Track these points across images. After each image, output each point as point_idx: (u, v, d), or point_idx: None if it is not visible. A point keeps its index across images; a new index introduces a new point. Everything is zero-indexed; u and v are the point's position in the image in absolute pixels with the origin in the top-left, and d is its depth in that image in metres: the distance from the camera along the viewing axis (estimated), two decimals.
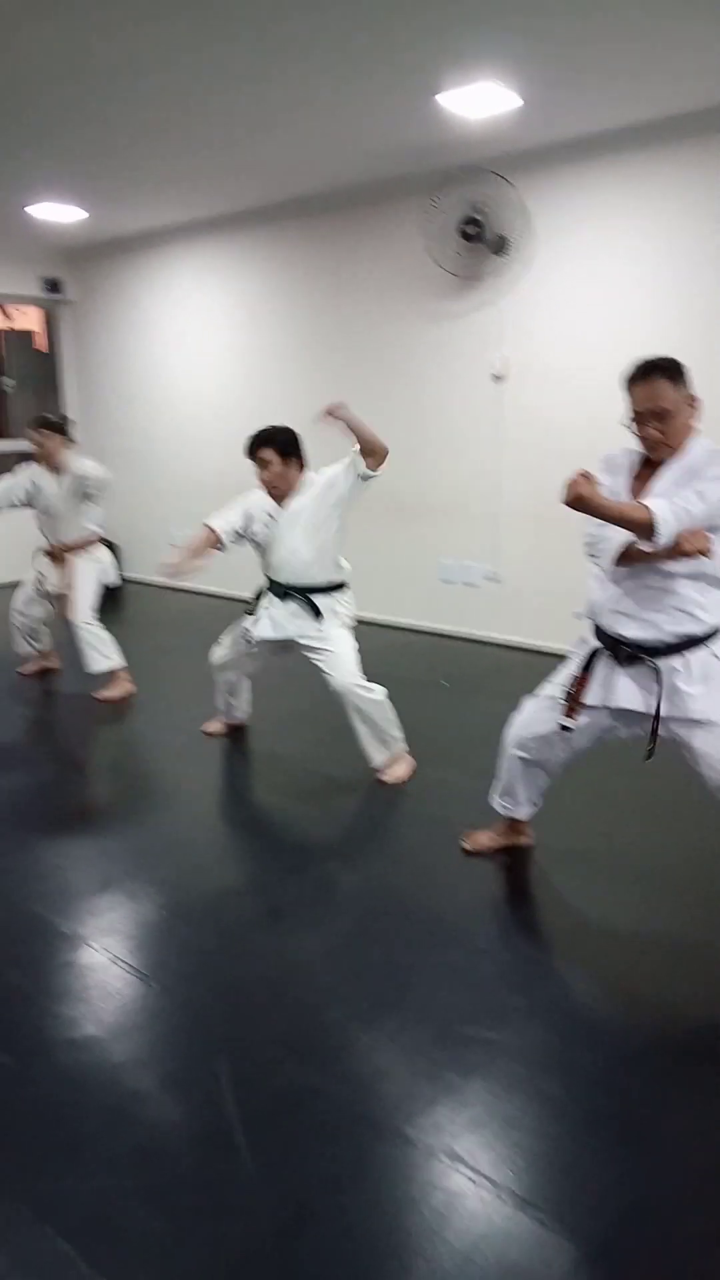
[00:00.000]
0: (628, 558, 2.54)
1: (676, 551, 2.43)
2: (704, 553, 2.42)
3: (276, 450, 3.73)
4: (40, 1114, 2.06)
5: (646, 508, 2.39)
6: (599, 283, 5.21)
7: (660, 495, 2.44)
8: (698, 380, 2.56)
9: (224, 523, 3.83)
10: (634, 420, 2.53)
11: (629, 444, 2.64)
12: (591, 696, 2.69)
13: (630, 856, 3.20)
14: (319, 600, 3.78)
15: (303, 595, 3.79)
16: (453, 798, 3.57)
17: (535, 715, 2.87)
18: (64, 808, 3.76)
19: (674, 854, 3.20)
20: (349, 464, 3.71)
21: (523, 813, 3.08)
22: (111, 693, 4.95)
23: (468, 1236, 1.74)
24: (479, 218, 5.37)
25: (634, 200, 5.02)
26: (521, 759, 2.94)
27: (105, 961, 2.63)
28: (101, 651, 4.92)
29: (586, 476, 2.46)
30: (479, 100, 4.37)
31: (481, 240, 5.40)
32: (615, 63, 3.99)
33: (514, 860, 3.17)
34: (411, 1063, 2.20)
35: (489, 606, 5.94)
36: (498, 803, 3.09)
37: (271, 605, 3.85)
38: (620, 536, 2.52)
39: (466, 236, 5.42)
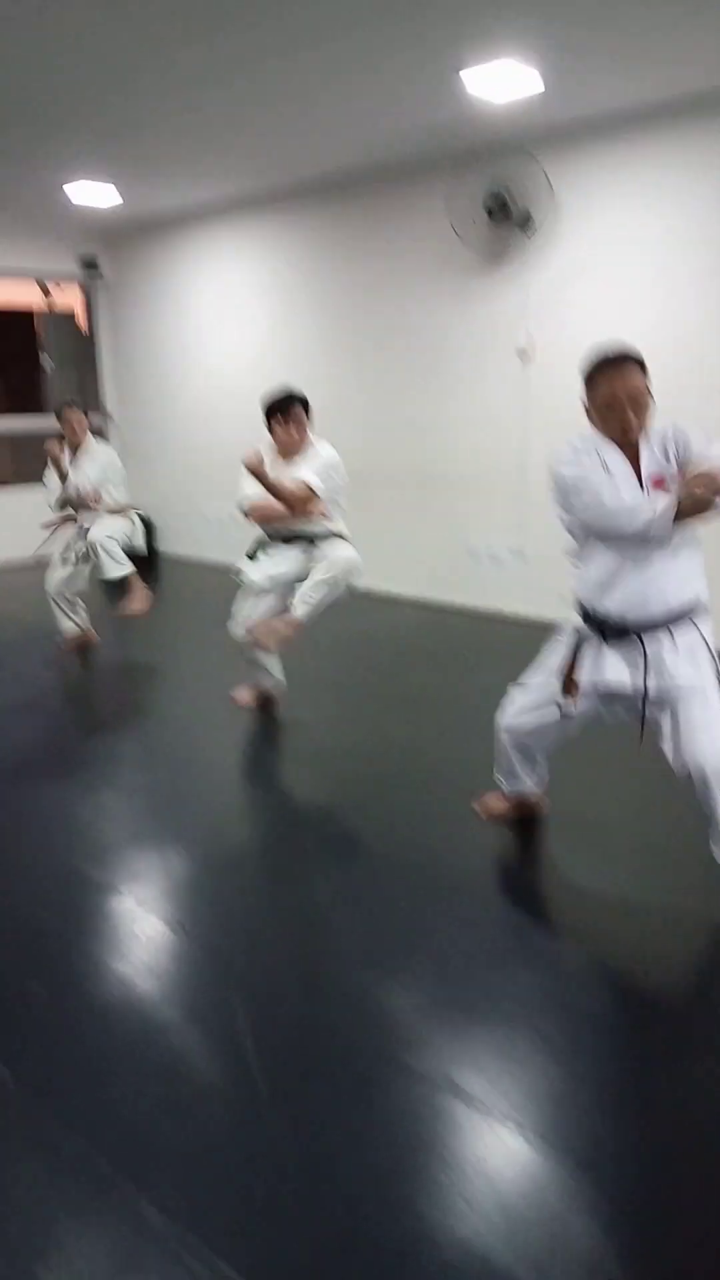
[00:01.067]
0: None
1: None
2: None
3: (306, 410, 3.99)
4: (68, 1036, 2.25)
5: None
6: (622, 259, 5.26)
7: (646, 479, 2.56)
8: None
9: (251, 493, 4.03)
10: (610, 409, 2.57)
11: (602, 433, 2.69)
12: (584, 673, 2.75)
13: (638, 824, 3.33)
14: (321, 541, 4.02)
15: (303, 540, 4.03)
16: (467, 763, 3.70)
17: (525, 704, 2.95)
18: (98, 768, 3.95)
19: (680, 825, 3.31)
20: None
21: (528, 789, 3.20)
22: (134, 604, 5.13)
23: (460, 1151, 1.90)
24: (504, 195, 5.43)
25: (657, 177, 5.05)
26: (516, 746, 3.05)
27: (133, 907, 2.81)
28: (116, 559, 5.08)
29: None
30: (501, 79, 4.43)
31: (507, 218, 5.47)
32: (635, 41, 4.04)
33: (523, 823, 3.30)
34: (414, 1000, 2.36)
35: (515, 581, 6.04)
36: (502, 783, 3.22)
37: (271, 553, 4.08)
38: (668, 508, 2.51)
39: (492, 214, 5.48)
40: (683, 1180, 1.84)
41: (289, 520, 3.99)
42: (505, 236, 5.59)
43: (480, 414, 6.07)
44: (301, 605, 3.86)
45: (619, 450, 2.64)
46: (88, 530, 5.17)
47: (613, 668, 2.70)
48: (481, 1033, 2.24)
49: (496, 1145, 1.92)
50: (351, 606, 4.27)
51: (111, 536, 5.09)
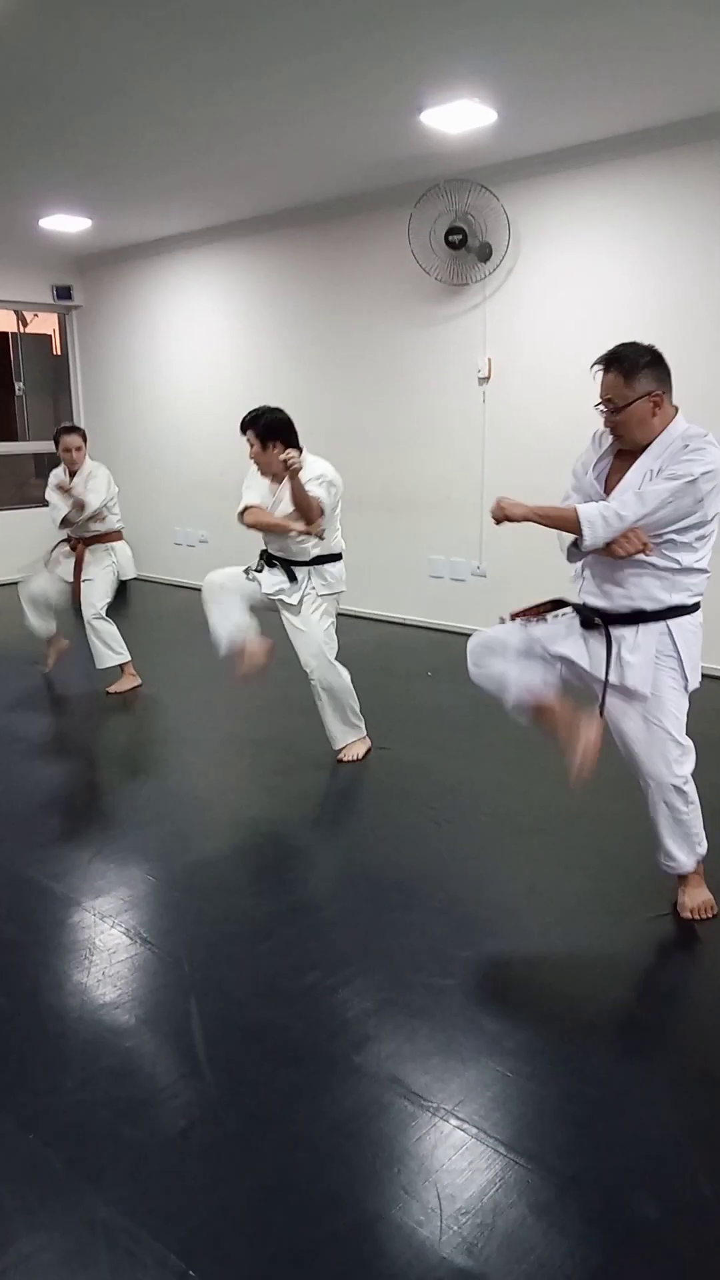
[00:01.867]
0: (577, 550, 2.68)
1: (609, 553, 2.54)
2: (641, 552, 2.51)
3: (256, 433, 3.89)
4: (26, 1042, 2.31)
5: (575, 511, 2.52)
6: (577, 287, 5.43)
7: (628, 487, 2.54)
8: (675, 378, 2.61)
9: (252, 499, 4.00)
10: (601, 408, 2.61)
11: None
12: (541, 630, 2.74)
13: (581, 829, 3.43)
14: (299, 571, 3.95)
15: (284, 566, 3.98)
16: (420, 775, 3.79)
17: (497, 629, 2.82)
18: (61, 783, 4.02)
19: (604, 826, 3.43)
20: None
21: (541, 685, 2.79)
22: (121, 685, 5.19)
23: (403, 1145, 1.97)
24: (463, 226, 5.60)
25: (609, 208, 5.24)
26: (488, 660, 2.80)
27: (93, 919, 2.88)
28: (111, 648, 5.13)
29: (504, 502, 2.62)
30: (459, 116, 4.61)
31: (467, 248, 5.63)
32: (589, 80, 4.22)
33: (467, 827, 3.43)
34: (365, 1004, 2.43)
35: (476, 600, 6.16)
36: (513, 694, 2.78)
37: (264, 569, 4.03)
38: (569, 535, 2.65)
39: (452, 245, 5.65)
40: (620, 1169, 1.92)
41: (281, 535, 3.94)
42: (465, 266, 5.76)
43: (441, 436, 6.22)
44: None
45: (615, 449, 2.65)
46: (69, 543, 5.25)
47: (571, 642, 2.69)
48: (427, 1032, 2.32)
49: (438, 1139, 1.99)
50: None
51: (102, 618, 5.10)
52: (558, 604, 2.81)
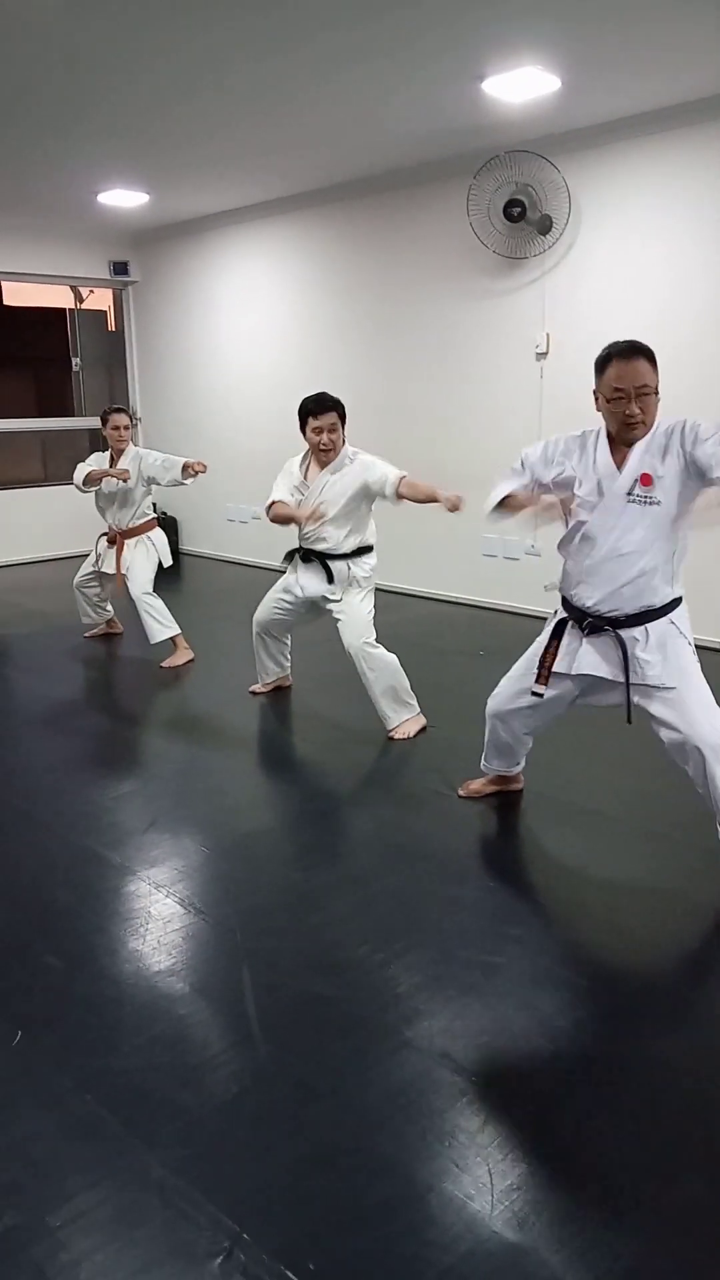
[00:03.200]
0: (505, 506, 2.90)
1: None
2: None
3: (339, 415, 4.01)
4: (83, 1006, 2.36)
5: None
6: (638, 261, 5.31)
7: (631, 473, 2.65)
8: None
9: (282, 495, 4.11)
10: (615, 398, 2.65)
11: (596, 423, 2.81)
12: (560, 664, 2.89)
13: (627, 811, 3.40)
14: (335, 565, 4.06)
15: (320, 559, 4.06)
16: (471, 755, 3.77)
17: (510, 690, 3.09)
18: (116, 756, 4.09)
19: (651, 805, 3.41)
20: (385, 485, 3.91)
21: (511, 770, 3.38)
22: (175, 660, 5.25)
23: (452, 1119, 1.98)
24: (523, 199, 5.50)
25: (672, 179, 5.11)
26: (501, 728, 3.18)
27: (148, 888, 2.92)
28: (160, 621, 5.20)
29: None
30: (521, 84, 4.51)
31: (526, 220, 5.54)
32: (651, 46, 4.11)
33: (514, 809, 3.43)
34: (415, 978, 2.44)
35: (530, 579, 6.10)
36: (485, 765, 3.38)
37: (298, 566, 4.14)
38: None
39: (511, 218, 5.56)
40: (671, 1151, 1.91)
41: (306, 529, 4.06)
42: (524, 238, 5.66)
43: (497, 412, 6.15)
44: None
45: (610, 443, 2.74)
46: (107, 537, 5.35)
47: (588, 657, 2.81)
48: (478, 1009, 2.33)
49: (489, 1115, 2.00)
50: None
51: (149, 594, 5.19)
52: (558, 630, 2.93)
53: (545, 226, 5.54)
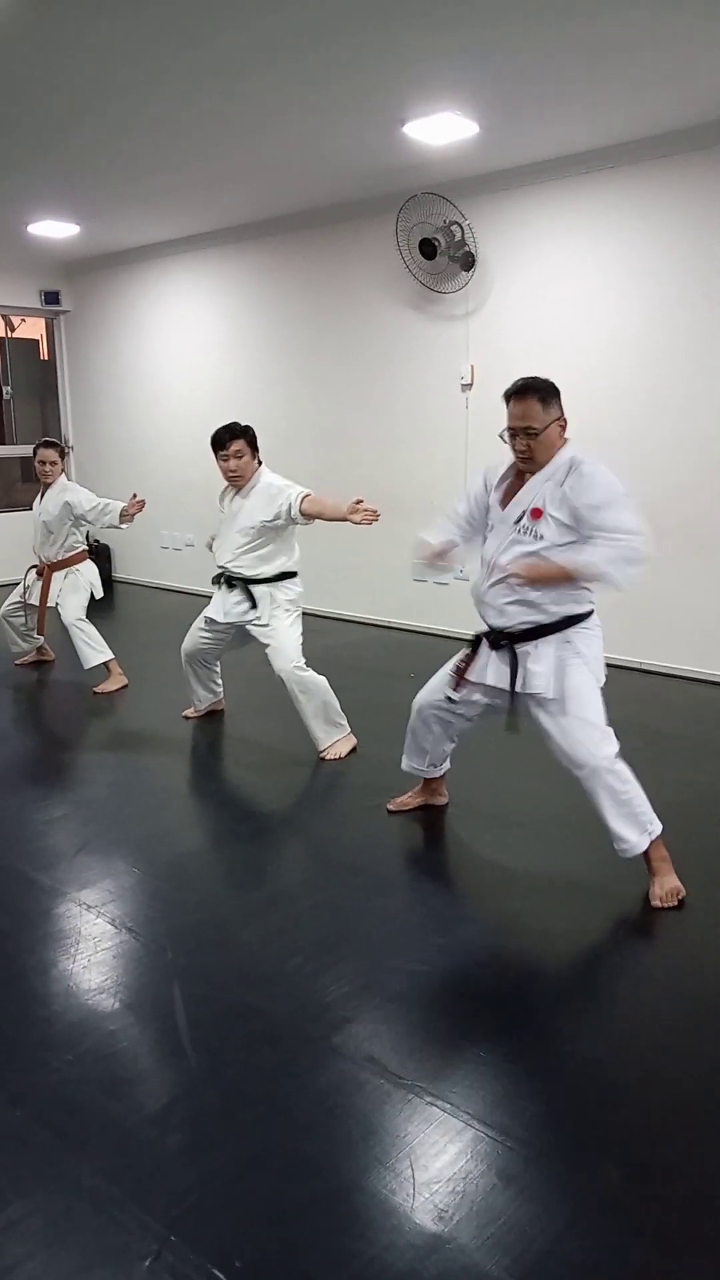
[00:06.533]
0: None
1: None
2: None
3: (246, 442, 4.10)
4: (13, 1025, 2.37)
5: (595, 563, 2.72)
6: (560, 298, 5.54)
7: (521, 505, 2.83)
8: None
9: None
10: (510, 434, 2.84)
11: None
12: (472, 673, 3.05)
13: (543, 818, 3.53)
14: (256, 590, 4.13)
15: (243, 585, 4.14)
16: (397, 770, 3.87)
17: (433, 687, 3.24)
18: (48, 779, 4.09)
19: (574, 814, 3.49)
20: (290, 506, 4.00)
21: (428, 771, 3.48)
22: (108, 685, 5.25)
23: (376, 1118, 2.05)
24: (437, 239, 5.69)
25: (591, 218, 5.35)
26: (422, 723, 3.31)
27: (79, 909, 2.94)
28: (93, 647, 5.21)
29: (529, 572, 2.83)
30: (440, 128, 4.71)
31: (450, 256, 5.73)
32: (568, 94, 4.33)
33: (441, 821, 3.54)
34: (344, 988, 2.51)
35: (460, 602, 6.23)
36: (406, 763, 3.47)
37: (222, 592, 4.21)
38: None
39: (435, 253, 5.74)
40: (587, 1140, 2.00)
41: (236, 552, 4.13)
42: (449, 273, 5.86)
43: (425, 442, 6.32)
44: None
45: (514, 475, 2.91)
46: (36, 569, 5.37)
47: (491, 668, 2.98)
48: (404, 1015, 2.40)
49: (412, 1113, 2.07)
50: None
51: (82, 620, 5.20)
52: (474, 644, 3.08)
53: (468, 263, 5.75)
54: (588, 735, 2.84)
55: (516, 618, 2.89)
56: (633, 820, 2.85)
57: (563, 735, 2.86)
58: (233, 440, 4.08)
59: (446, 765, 3.52)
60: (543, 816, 3.57)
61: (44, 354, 9.62)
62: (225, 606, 4.19)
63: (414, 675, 5.42)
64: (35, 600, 5.35)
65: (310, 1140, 1.99)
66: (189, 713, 4.71)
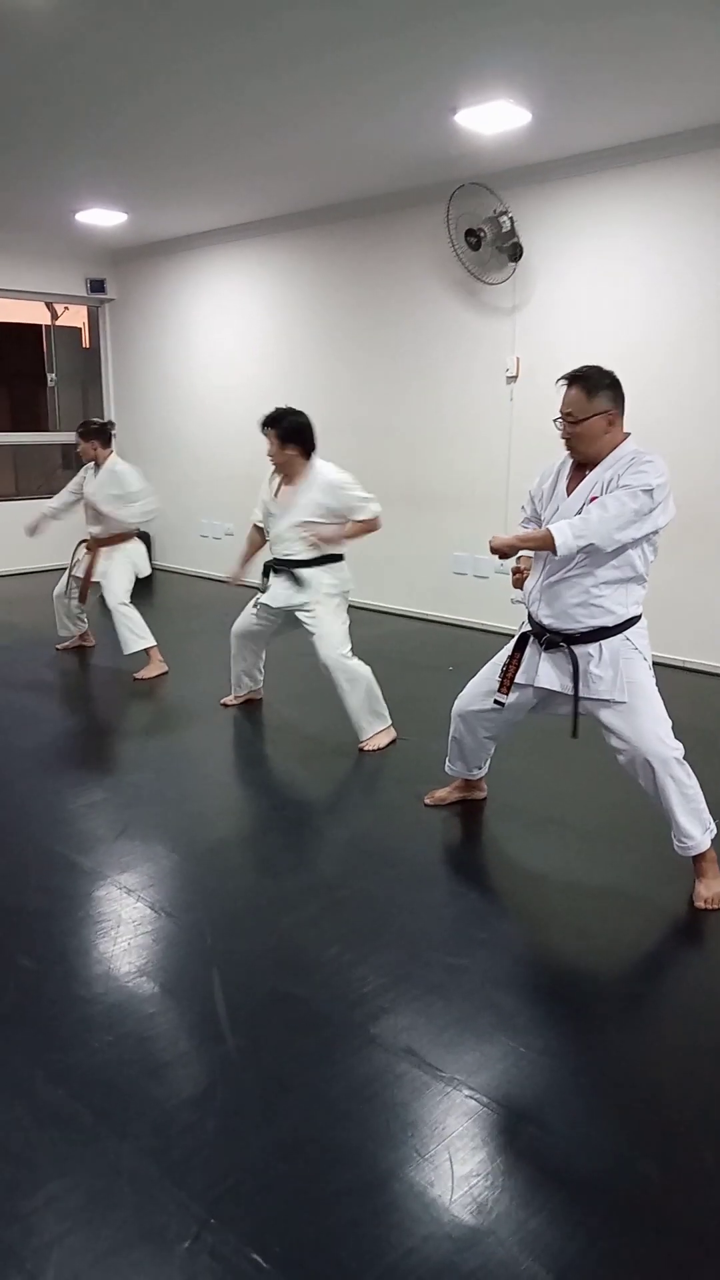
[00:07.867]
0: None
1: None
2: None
3: (278, 434, 4.05)
4: (54, 1005, 2.40)
5: (549, 532, 2.71)
6: (607, 290, 5.47)
7: (581, 496, 2.77)
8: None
9: (257, 516, 4.30)
10: (560, 423, 2.82)
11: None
12: (521, 676, 3.00)
13: (583, 817, 3.50)
14: (303, 572, 4.12)
15: (289, 569, 4.15)
16: (436, 764, 3.86)
17: (475, 692, 3.20)
18: (89, 763, 4.12)
19: (614, 814, 3.51)
20: (353, 511, 4.07)
21: (472, 774, 3.46)
22: (148, 672, 5.29)
23: (415, 1109, 2.04)
24: (482, 229, 5.64)
25: (638, 210, 5.28)
26: (466, 730, 3.28)
27: (119, 893, 2.96)
28: (135, 632, 5.25)
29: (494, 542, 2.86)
30: (493, 117, 4.67)
31: (496, 247, 5.69)
32: (618, 82, 4.27)
33: (480, 817, 3.52)
34: (382, 979, 2.51)
35: (499, 596, 6.21)
36: (449, 767, 3.47)
37: (272, 579, 4.22)
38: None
39: (471, 246, 5.70)
40: (625, 1137, 1.99)
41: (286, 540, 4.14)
42: (495, 264, 5.81)
43: (468, 434, 6.28)
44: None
45: (572, 466, 2.88)
46: (85, 544, 5.40)
47: (545, 671, 2.92)
48: (442, 1007, 2.39)
49: (451, 1106, 2.06)
50: None
51: (126, 604, 5.24)
52: (521, 643, 3.03)
53: (516, 254, 5.70)
54: (657, 727, 2.81)
55: (581, 620, 2.83)
56: (697, 816, 2.83)
57: (633, 731, 2.81)
58: (266, 428, 4.08)
59: (488, 765, 3.50)
60: (581, 816, 3.54)
61: (85, 342, 9.68)
62: (276, 591, 4.19)
63: (453, 668, 5.43)
64: (80, 573, 5.39)
65: (348, 1129, 1.99)
66: (227, 700, 4.73)
